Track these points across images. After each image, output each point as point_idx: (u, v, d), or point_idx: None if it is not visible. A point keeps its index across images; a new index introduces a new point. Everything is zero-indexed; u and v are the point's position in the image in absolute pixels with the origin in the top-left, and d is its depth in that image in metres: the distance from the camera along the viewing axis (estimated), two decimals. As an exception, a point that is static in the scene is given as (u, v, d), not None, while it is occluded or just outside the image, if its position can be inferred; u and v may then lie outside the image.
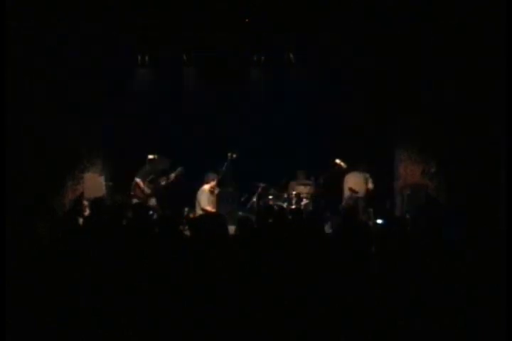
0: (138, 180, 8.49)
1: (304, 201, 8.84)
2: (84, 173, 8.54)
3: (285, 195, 9.04)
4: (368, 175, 8.73)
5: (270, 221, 5.41)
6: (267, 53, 9.22)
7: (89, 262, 3.96)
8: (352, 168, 8.77)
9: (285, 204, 8.82)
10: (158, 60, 9.34)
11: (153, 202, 8.48)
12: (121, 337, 3.42)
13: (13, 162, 6.81)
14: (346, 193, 8.74)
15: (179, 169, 8.58)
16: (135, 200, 8.33)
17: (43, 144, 8.17)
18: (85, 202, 7.63)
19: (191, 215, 8.38)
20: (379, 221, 8.05)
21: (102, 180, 8.52)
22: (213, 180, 8.57)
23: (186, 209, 8.62)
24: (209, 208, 8.27)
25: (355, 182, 8.69)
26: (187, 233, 5.31)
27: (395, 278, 3.66)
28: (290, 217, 5.82)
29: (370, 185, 8.68)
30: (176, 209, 8.16)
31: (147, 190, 8.45)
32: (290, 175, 9.38)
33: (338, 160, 8.67)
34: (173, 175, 8.55)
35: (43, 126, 8.22)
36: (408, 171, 8.85)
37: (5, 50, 6.18)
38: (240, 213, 8.67)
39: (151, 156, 8.53)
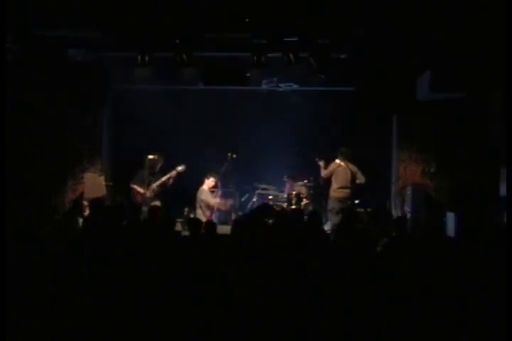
0: (134, 185, 8.45)
1: (304, 201, 8.84)
2: (84, 173, 8.53)
3: (285, 195, 9.05)
4: (356, 169, 8.56)
5: (270, 221, 5.42)
6: (267, 53, 9.21)
7: (89, 262, 3.96)
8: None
9: (285, 204, 8.83)
10: (158, 60, 9.34)
11: (156, 204, 8.43)
12: (122, 337, 3.42)
13: (13, 162, 6.82)
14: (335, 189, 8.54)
15: (181, 167, 8.47)
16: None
17: (43, 144, 8.17)
18: (85, 202, 7.62)
19: (191, 215, 8.39)
20: None
21: (102, 180, 8.49)
22: (213, 180, 8.56)
23: (186, 209, 8.61)
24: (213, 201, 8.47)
25: (344, 178, 8.47)
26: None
27: (395, 277, 3.66)
28: (290, 217, 5.83)
29: (359, 181, 8.53)
30: (176, 209, 8.17)
31: (149, 193, 8.39)
32: (290, 175, 9.37)
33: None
34: (174, 173, 8.47)
35: (42, 126, 8.22)
36: (408, 171, 8.85)
37: (5, 50, 6.18)
38: (240, 213, 8.67)
39: (151, 156, 8.49)
